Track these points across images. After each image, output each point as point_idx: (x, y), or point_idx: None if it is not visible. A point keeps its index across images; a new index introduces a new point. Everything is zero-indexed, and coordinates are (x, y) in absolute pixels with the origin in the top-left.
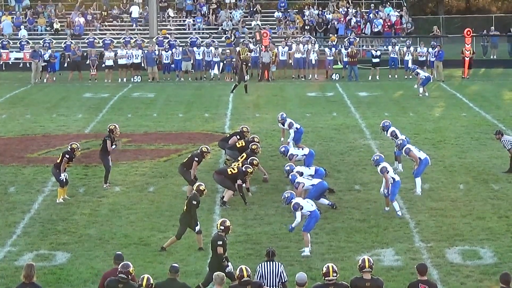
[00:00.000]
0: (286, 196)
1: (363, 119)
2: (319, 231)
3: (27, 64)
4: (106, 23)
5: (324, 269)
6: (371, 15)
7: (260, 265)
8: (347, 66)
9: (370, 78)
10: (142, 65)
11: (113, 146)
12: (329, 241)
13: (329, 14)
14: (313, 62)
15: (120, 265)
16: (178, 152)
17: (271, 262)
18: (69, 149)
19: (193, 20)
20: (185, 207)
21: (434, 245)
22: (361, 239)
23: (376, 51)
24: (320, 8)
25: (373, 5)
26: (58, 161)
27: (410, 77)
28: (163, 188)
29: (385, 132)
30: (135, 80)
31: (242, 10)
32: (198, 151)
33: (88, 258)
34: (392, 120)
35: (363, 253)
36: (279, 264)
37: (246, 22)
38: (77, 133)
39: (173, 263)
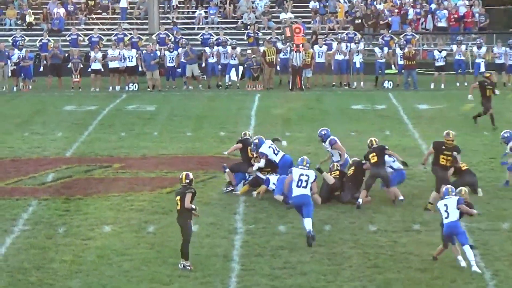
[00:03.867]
0: None
1: (424, 138)
2: (367, 283)
3: None
4: (93, 16)
5: None
6: (432, 6)
7: None
8: (403, 70)
9: (432, 86)
10: (140, 69)
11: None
12: None
13: (380, 4)
14: (358, 65)
15: None
16: None
17: None
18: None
19: (205, 12)
20: None
21: None
22: None
23: (440, 52)
24: None
25: None
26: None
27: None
28: (166, 227)
29: (323, 143)
30: (130, 89)
31: None
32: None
33: None
34: (461, 140)
35: None
36: None
37: (273, 14)
38: (55, 156)
39: None
